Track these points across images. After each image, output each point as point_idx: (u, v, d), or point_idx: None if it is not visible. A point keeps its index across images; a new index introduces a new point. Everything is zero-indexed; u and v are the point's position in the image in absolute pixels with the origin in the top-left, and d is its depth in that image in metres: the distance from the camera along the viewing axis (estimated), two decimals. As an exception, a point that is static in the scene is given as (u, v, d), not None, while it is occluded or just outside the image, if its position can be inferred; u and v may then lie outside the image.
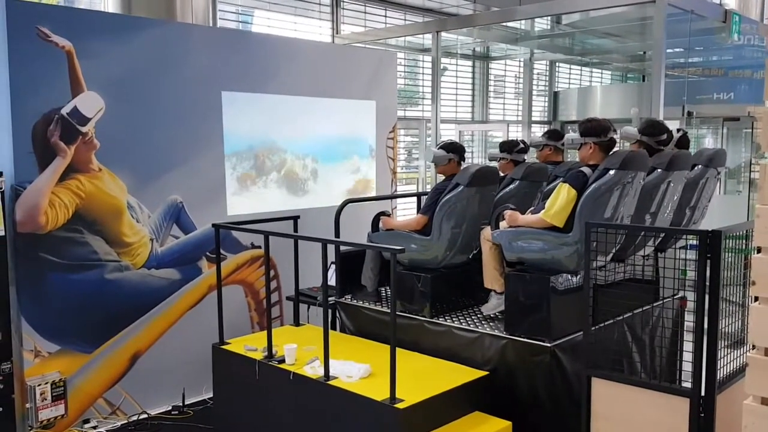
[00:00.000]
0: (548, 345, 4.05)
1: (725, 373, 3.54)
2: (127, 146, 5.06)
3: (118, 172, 5.02)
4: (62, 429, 4.81)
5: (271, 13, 8.21)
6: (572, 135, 4.44)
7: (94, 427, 4.93)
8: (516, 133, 11.41)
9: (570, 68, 12.56)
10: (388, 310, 4.15)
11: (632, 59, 12.27)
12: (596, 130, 4.24)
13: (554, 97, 11.77)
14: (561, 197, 4.11)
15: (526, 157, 5.41)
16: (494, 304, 4.61)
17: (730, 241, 3.54)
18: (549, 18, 10.04)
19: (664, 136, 4.67)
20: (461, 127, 10.60)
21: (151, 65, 5.17)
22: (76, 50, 4.73)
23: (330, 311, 5.15)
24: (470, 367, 4.28)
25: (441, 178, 5.04)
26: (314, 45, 7.21)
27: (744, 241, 3.69)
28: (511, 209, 4.41)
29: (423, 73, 10.16)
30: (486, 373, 4.18)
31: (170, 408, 5.25)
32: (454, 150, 4.88)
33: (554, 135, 5.51)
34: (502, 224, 4.38)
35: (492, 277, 4.57)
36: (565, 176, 4.33)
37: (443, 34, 8.50)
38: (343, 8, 8.91)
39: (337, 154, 6.58)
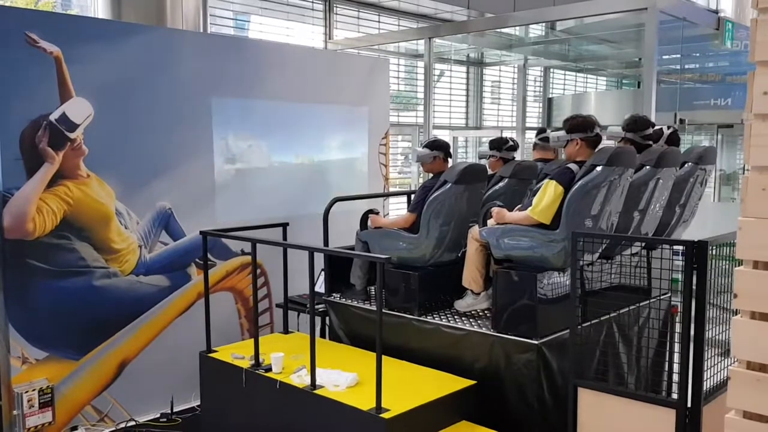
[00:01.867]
0: (535, 342, 4.04)
1: (714, 382, 3.53)
2: (115, 152, 5.04)
3: (107, 179, 5.00)
4: (49, 436, 4.78)
5: (264, 18, 8.20)
6: (558, 133, 4.43)
7: (82, 435, 4.91)
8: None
9: (564, 74, 12.58)
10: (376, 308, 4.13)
11: (627, 65, 12.29)
12: (582, 126, 4.23)
13: (549, 103, 11.78)
14: (548, 194, 4.10)
15: (516, 155, 5.40)
16: (468, 303, 4.64)
17: (725, 248, 3.53)
18: (543, 24, 10.04)
19: (650, 131, 4.65)
20: (455, 132, 10.60)
21: (140, 71, 5.15)
22: (65, 56, 4.70)
23: (318, 318, 5.14)
24: (458, 370, 4.27)
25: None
26: (306, 51, 7.20)
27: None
28: (499, 206, 4.39)
29: (417, 79, 10.16)
30: (473, 382, 4.16)
31: (158, 415, 5.22)
32: (438, 147, 4.88)
33: (539, 132, 5.52)
34: (490, 222, 4.37)
35: (471, 277, 4.57)
36: (552, 172, 4.32)
37: (438, 39, 8.51)
38: (336, 13, 8.90)
39: (329, 160, 6.56)
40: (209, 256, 5.15)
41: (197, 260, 5.51)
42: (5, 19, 4.47)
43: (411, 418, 3.76)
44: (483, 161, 5.45)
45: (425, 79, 8.10)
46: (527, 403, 4.07)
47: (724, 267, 3.56)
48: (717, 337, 3.55)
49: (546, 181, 4.20)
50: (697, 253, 3.34)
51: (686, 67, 8.96)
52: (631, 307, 4.46)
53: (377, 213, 5.14)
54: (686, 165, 4.84)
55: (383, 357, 3.84)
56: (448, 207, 4.59)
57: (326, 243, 5.24)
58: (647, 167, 4.40)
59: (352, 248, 5.12)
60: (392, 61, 8.71)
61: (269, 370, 4.33)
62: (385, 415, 3.68)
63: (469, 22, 9.78)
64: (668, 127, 5.01)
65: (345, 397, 3.91)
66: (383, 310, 3.98)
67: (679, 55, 8.22)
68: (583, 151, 4.23)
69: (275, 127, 6.08)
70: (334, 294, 5.20)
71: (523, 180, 4.92)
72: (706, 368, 3.42)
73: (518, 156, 5.52)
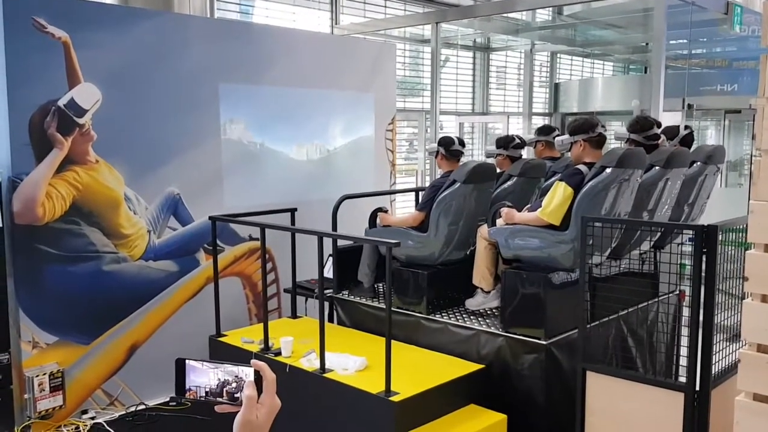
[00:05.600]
0: (544, 342, 4.05)
1: (722, 367, 3.54)
2: (124, 138, 5.04)
3: (116, 164, 5.01)
4: (60, 420, 4.82)
5: (270, 3, 8.17)
6: (562, 137, 4.46)
7: (92, 418, 4.93)
8: (516, 125, 11.38)
9: (571, 59, 12.51)
10: (385, 306, 4.16)
11: (634, 50, 12.22)
12: (583, 127, 4.27)
13: (555, 89, 11.73)
14: (557, 195, 4.11)
15: (523, 153, 5.40)
16: (479, 301, 4.67)
17: (732, 233, 3.53)
18: (550, 9, 9.99)
19: (653, 131, 4.64)
20: (461, 118, 10.57)
21: (148, 56, 5.14)
22: (73, 41, 4.70)
23: (327, 303, 5.16)
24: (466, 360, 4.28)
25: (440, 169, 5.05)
26: (312, 36, 7.18)
27: (744, 235, 3.68)
28: (508, 206, 4.41)
29: (424, 64, 10.12)
30: (482, 366, 4.18)
31: (168, 399, 5.25)
32: (440, 143, 4.95)
33: (544, 130, 5.49)
34: (499, 221, 4.38)
35: (481, 275, 4.60)
36: (562, 173, 4.33)
37: (444, 24, 8.46)
38: (343, -2, 8.86)
39: (336, 146, 6.55)
40: (217, 241, 5.16)
41: (206, 245, 5.53)
42: (13, 5, 4.46)
43: (420, 401, 3.80)
44: (490, 160, 5.44)
45: (432, 64, 8.06)
46: (535, 402, 4.09)
47: (730, 253, 3.56)
48: (724, 322, 3.55)
49: (556, 182, 4.22)
50: (706, 237, 3.34)
51: (694, 52, 8.91)
52: (640, 305, 4.46)
53: (386, 211, 5.17)
54: (695, 164, 4.84)
55: (392, 342, 3.86)
56: (456, 206, 4.60)
57: (335, 240, 5.22)
58: (657, 168, 4.40)
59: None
60: (398, 46, 8.67)
61: (279, 353, 4.37)
62: (395, 398, 3.71)
63: (476, 7, 9.72)
64: (685, 128, 5.01)
65: (354, 381, 3.94)
66: (392, 309, 3.99)
67: (686, 40, 8.16)
68: (588, 152, 4.25)
69: (282, 113, 6.07)
70: (342, 292, 5.21)
71: (532, 178, 4.93)
72: (714, 352, 3.43)
73: (524, 153, 5.50)
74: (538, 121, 11.49)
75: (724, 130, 9.72)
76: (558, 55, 12.06)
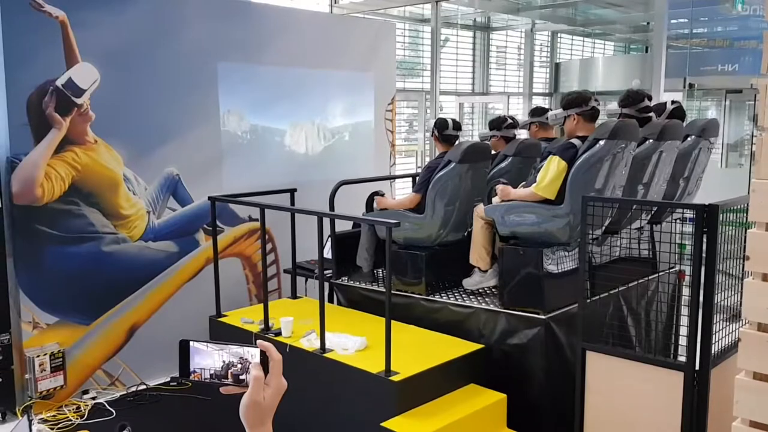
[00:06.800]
0: (543, 317, 4.06)
1: (721, 346, 3.55)
2: (122, 118, 5.02)
3: (114, 144, 4.99)
4: (61, 399, 4.84)
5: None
6: (555, 111, 4.45)
7: (94, 398, 4.96)
8: (517, 105, 11.33)
9: (572, 39, 12.43)
10: (384, 289, 4.16)
11: (635, 30, 12.14)
12: (577, 100, 4.26)
13: (556, 69, 11.68)
14: (551, 169, 4.10)
15: (517, 133, 5.38)
16: (476, 280, 4.67)
17: (732, 214, 3.52)
18: (551, -13, 9.89)
19: (645, 103, 4.62)
20: (461, 98, 10.52)
21: (146, 36, 5.11)
22: (70, 20, 4.66)
23: (327, 284, 5.16)
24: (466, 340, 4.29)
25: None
26: (311, 15, 7.12)
27: (744, 215, 3.67)
28: (504, 183, 4.40)
29: (424, 44, 10.05)
30: (482, 346, 4.19)
31: (169, 379, 5.28)
32: (434, 125, 4.94)
33: (537, 111, 5.48)
34: (495, 199, 4.38)
35: (478, 255, 4.60)
36: (555, 148, 4.32)
37: (444, 4, 8.39)
38: (342, -23, 8.77)
39: (336, 126, 6.53)
40: (217, 222, 5.15)
41: (206, 226, 5.52)
42: (9, -17, 4.42)
43: (420, 381, 3.80)
44: (485, 142, 5.43)
45: (432, 44, 8.00)
46: (535, 379, 4.11)
47: (729, 233, 3.55)
48: (723, 302, 3.56)
49: (549, 156, 4.21)
50: (707, 216, 3.33)
51: (695, 31, 8.86)
52: (639, 281, 4.46)
53: (383, 195, 5.15)
54: (689, 138, 4.81)
55: (392, 322, 3.87)
56: (452, 186, 4.59)
57: (333, 224, 5.21)
58: (650, 140, 4.38)
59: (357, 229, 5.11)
60: (397, 26, 8.59)
61: (279, 334, 4.37)
62: (395, 378, 3.72)
63: (476, -14, 9.64)
64: (672, 102, 4.98)
65: (354, 361, 3.95)
66: (391, 291, 3.99)
67: (688, 20, 8.11)
68: (581, 126, 4.23)
69: (282, 93, 6.04)
70: (341, 277, 5.20)
71: (527, 158, 4.91)
72: (714, 332, 3.44)
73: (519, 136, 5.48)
74: (539, 101, 11.46)
75: (725, 110, 9.69)
76: (558, 34, 11.99)
